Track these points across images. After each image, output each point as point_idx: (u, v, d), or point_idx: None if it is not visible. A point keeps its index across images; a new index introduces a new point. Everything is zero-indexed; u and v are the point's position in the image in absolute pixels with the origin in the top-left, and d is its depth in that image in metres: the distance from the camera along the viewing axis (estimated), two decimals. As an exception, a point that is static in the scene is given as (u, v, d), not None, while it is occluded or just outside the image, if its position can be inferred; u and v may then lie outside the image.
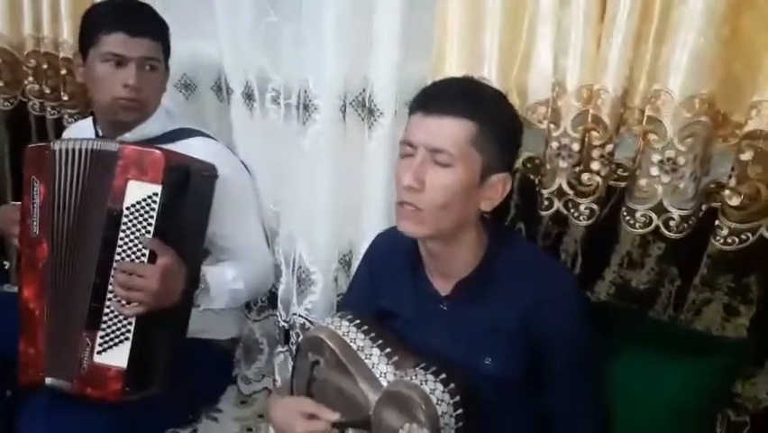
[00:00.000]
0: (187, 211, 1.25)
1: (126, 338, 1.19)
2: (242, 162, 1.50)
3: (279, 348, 1.52)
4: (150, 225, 1.18)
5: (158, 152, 1.19)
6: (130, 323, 1.20)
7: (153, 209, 1.17)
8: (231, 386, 1.64)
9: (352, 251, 1.42)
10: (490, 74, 1.22)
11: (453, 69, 1.24)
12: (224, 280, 1.35)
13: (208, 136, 1.45)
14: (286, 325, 1.48)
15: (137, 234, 1.18)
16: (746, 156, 0.99)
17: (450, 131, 0.95)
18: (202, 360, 1.47)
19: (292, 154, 1.40)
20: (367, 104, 1.31)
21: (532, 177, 1.26)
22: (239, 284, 1.37)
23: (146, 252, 1.18)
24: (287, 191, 1.46)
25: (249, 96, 1.50)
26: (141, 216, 1.18)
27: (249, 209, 1.48)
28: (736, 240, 1.03)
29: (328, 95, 1.31)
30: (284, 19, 1.40)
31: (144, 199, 1.17)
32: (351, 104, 1.34)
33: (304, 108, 1.33)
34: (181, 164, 1.22)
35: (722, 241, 1.04)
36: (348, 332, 1.07)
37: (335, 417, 1.01)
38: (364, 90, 1.31)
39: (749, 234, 1.03)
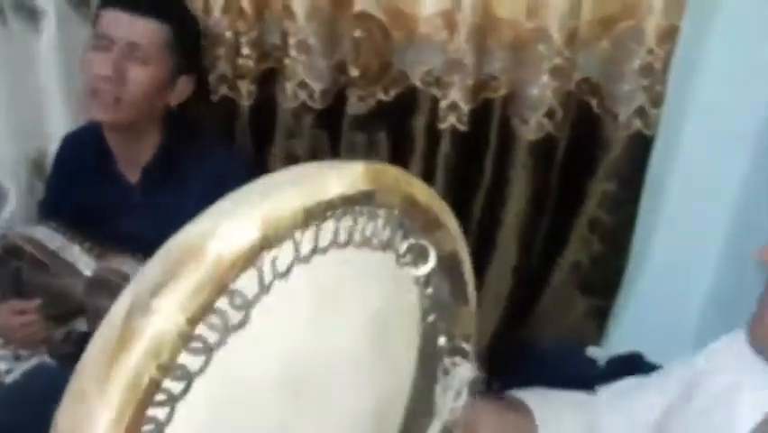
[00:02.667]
0: None
1: None
2: None
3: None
4: None
5: None
6: None
7: None
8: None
9: (42, 155, 1.41)
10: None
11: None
12: None
13: None
14: (-18, 240, 1.45)
15: None
16: (358, 34, 1.18)
17: (149, 30, 1.04)
18: None
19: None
20: (27, 6, 1.27)
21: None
22: None
23: None
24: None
25: None
26: None
27: None
28: (363, 105, 1.24)
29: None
30: None
31: None
32: (10, 8, 1.28)
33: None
34: None
35: (354, 107, 1.25)
36: (45, 236, 1.12)
37: (38, 302, 1.09)
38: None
39: (371, 100, 1.24)
